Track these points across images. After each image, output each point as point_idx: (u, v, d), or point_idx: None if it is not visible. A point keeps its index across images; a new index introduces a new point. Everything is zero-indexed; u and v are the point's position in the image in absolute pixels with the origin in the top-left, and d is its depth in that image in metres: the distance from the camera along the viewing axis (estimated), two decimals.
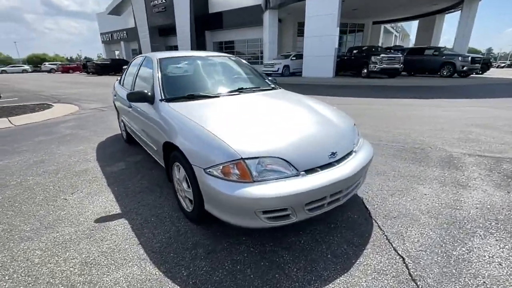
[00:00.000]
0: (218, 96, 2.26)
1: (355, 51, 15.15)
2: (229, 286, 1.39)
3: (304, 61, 15.76)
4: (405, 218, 1.93)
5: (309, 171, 1.56)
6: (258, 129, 1.68)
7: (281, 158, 1.51)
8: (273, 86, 2.89)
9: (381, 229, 1.82)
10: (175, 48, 27.93)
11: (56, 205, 2.26)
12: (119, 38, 36.63)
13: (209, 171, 1.51)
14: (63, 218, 2.06)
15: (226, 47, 27.78)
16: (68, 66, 35.66)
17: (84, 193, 2.47)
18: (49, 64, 40.89)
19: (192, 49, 25.78)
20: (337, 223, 1.90)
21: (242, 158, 1.46)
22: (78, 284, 1.43)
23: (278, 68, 16.25)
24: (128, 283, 1.43)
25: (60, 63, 44.40)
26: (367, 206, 2.11)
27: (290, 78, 15.47)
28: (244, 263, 1.54)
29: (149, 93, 2.25)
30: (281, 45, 22.19)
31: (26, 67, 43.45)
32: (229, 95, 2.32)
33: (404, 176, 2.63)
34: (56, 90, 12.39)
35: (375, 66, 13.08)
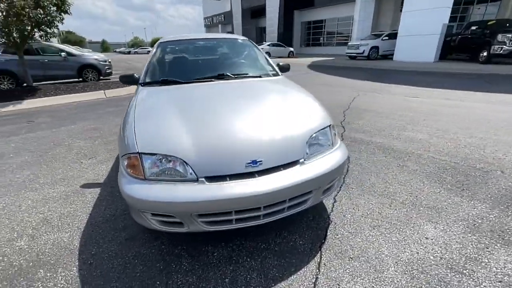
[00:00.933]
0: (188, 83, 2.15)
1: (474, 27, 11.48)
2: (113, 277, 1.39)
3: (397, 42, 13.20)
4: (365, 264, 1.42)
5: (214, 178, 1.32)
6: (177, 123, 1.51)
7: (181, 159, 1.33)
8: (273, 73, 2.53)
9: (318, 269, 1.40)
10: (264, 29, 28.33)
11: (73, 166, 2.76)
12: (217, 21, 39.91)
13: (121, 160, 1.49)
14: (66, 178, 2.50)
15: (314, 27, 26.21)
16: None
17: (97, 160, 2.91)
18: None
19: (278, 30, 25.58)
20: (271, 245, 1.57)
21: (138, 152, 1.36)
22: (25, 236, 1.73)
23: (364, 50, 14.21)
24: (51, 246, 1.63)
25: None
26: (328, 233, 1.65)
27: (376, 62, 13.29)
28: (143, 259, 1.50)
29: (137, 76, 2.37)
30: (377, 23, 19.23)
31: (150, 48, 53.82)
32: (198, 82, 2.17)
33: (417, 204, 1.90)
34: None
35: (502, 48, 9.63)
